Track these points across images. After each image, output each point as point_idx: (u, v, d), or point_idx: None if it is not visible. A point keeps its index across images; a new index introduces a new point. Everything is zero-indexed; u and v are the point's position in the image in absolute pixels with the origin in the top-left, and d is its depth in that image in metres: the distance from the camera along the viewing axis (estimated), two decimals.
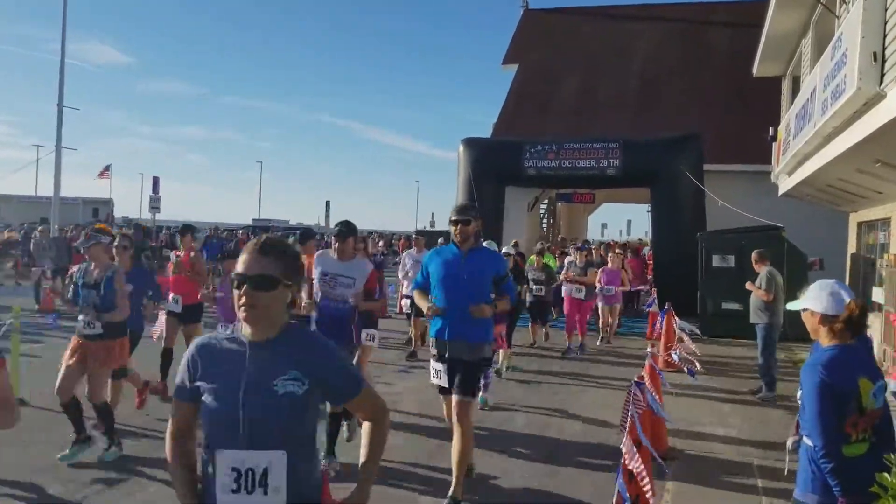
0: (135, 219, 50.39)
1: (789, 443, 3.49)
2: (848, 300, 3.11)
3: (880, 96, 7.02)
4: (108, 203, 44.96)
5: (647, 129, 20.07)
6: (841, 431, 2.95)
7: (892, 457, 2.58)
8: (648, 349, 6.92)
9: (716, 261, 14.07)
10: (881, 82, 6.99)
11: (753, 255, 9.52)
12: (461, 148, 18.79)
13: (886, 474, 2.38)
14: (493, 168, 18.06)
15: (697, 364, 7.86)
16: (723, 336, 13.44)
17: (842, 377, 2.97)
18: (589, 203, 24.60)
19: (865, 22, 7.16)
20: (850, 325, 3.08)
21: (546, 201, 24.64)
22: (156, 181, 25.61)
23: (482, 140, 19.91)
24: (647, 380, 5.88)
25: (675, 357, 7.61)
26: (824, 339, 3.16)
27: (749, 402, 8.69)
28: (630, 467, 4.18)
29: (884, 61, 6.98)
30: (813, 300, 3.20)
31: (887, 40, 6.93)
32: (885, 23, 7.01)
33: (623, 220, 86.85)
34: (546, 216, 26.42)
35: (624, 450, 4.24)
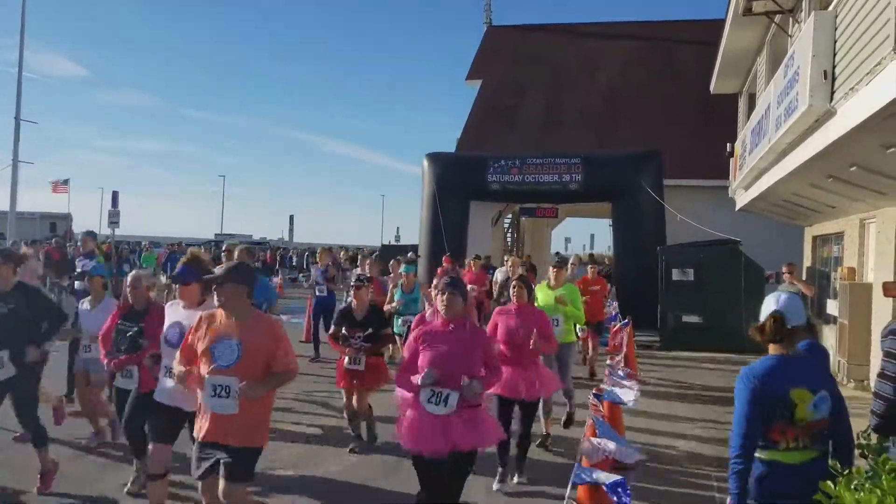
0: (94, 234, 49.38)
1: None
2: (767, 314, 3.18)
3: (831, 113, 7.20)
4: (66, 218, 43.91)
5: (610, 145, 20.32)
6: (762, 437, 3.03)
7: (839, 466, 2.60)
8: (608, 362, 6.98)
9: (675, 274, 14.24)
10: (831, 99, 7.17)
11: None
12: (425, 163, 18.83)
13: (830, 483, 2.41)
14: (457, 183, 18.11)
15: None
16: (683, 349, 13.58)
17: (772, 386, 3.03)
18: (552, 217, 24.74)
19: (816, 41, 7.35)
20: (764, 337, 3.16)
21: (510, 216, 24.78)
22: (115, 195, 24.98)
23: (446, 155, 19.98)
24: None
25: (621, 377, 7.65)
26: (768, 348, 3.23)
27: (707, 415, 8.76)
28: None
29: (834, 79, 7.16)
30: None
31: (837, 58, 7.12)
32: (835, 42, 7.20)
33: (586, 234, 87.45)
34: (510, 230, 26.54)
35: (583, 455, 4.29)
